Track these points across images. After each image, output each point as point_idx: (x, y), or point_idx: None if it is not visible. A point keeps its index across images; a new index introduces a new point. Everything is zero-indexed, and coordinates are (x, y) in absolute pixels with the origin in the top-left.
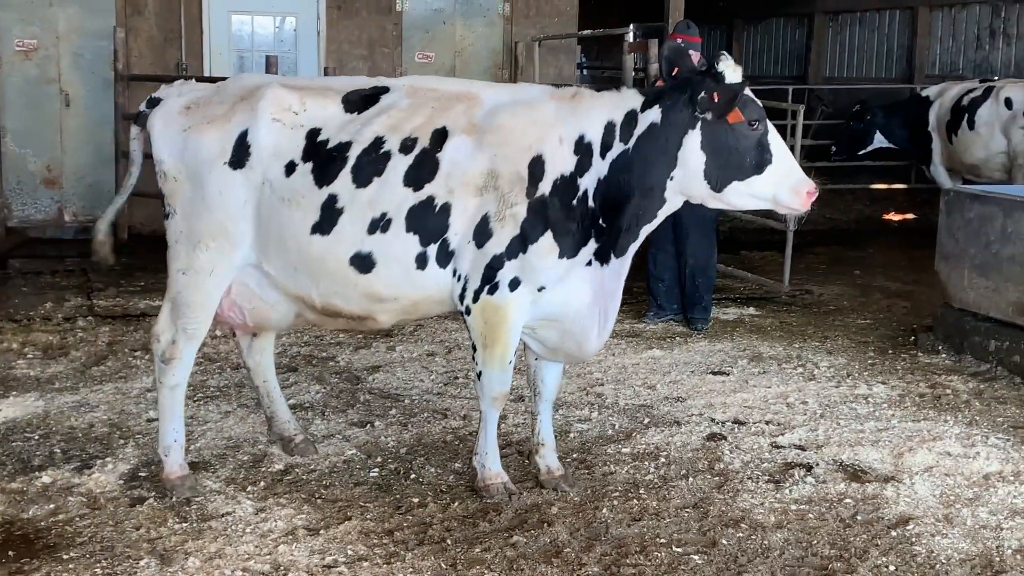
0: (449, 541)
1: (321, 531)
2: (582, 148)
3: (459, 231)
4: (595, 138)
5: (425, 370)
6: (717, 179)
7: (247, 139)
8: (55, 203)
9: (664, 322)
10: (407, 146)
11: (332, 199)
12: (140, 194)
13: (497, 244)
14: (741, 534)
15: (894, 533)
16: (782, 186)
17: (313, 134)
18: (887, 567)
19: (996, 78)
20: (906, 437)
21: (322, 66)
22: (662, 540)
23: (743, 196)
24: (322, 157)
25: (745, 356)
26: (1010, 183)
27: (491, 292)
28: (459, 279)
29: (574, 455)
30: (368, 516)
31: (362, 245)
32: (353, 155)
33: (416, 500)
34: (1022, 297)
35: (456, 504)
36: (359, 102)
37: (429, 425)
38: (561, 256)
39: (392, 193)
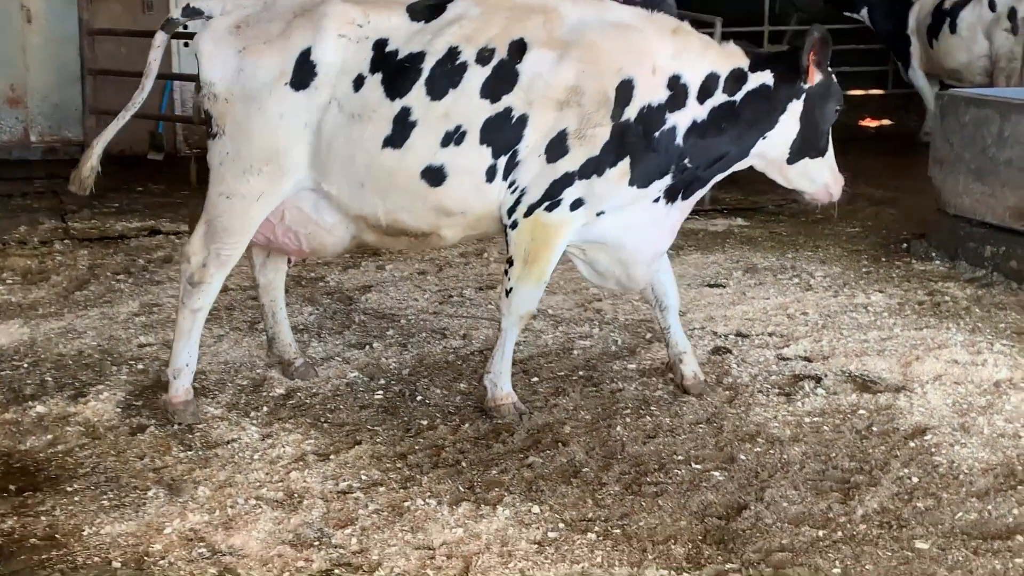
0: (464, 463)
1: (331, 456)
2: (677, 87)
3: (530, 144)
4: (692, 82)
5: (418, 289)
6: (797, 150)
7: (311, 57)
8: (20, 123)
9: None
10: (484, 57)
11: (405, 112)
12: (107, 112)
13: (571, 162)
14: (759, 448)
15: (912, 444)
16: (830, 173)
17: (380, 45)
18: (910, 478)
19: None
20: (911, 346)
21: None
22: (680, 457)
23: (802, 173)
24: (392, 69)
25: (739, 268)
26: (991, 87)
27: (549, 209)
28: (514, 191)
29: (580, 372)
30: (378, 440)
31: (434, 158)
32: (427, 66)
33: (425, 423)
34: (1019, 202)
35: (467, 425)
36: (425, 11)
37: (429, 345)
38: (631, 184)
39: (468, 105)
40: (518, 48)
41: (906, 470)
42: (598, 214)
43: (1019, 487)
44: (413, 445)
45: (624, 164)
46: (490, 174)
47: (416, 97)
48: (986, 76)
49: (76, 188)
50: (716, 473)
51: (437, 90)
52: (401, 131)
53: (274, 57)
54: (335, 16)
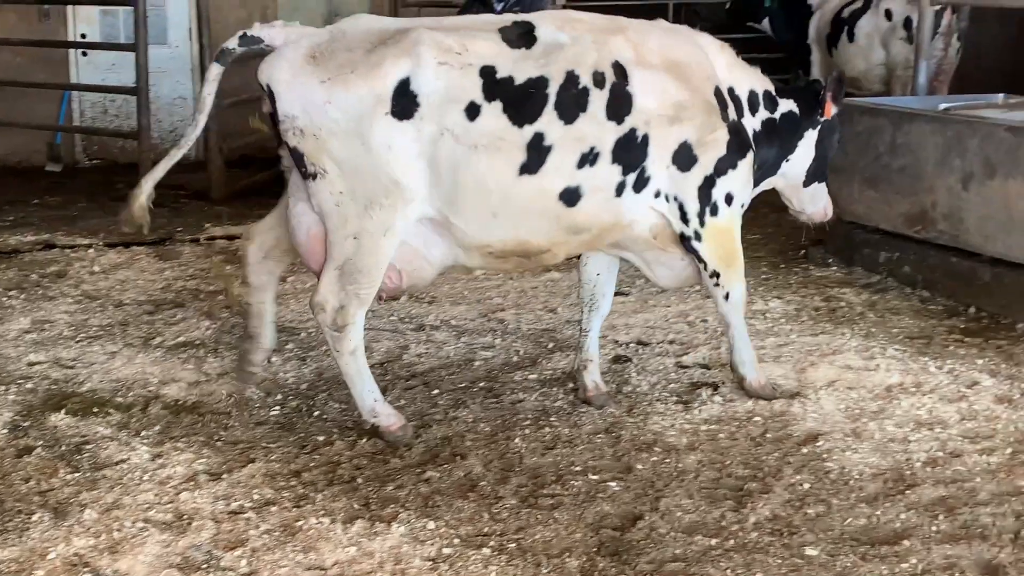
0: (360, 480)
1: (224, 475)
2: (733, 97)
3: (656, 159)
4: (742, 96)
5: None
6: (811, 175)
7: (410, 87)
8: None
9: None
10: (598, 80)
11: (539, 137)
12: (7, 123)
13: (704, 167)
14: (655, 458)
15: (805, 450)
16: (826, 197)
17: (488, 72)
18: (801, 485)
19: None
20: (806, 352)
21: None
22: (577, 468)
23: (809, 196)
24: (512, 96)
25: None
26: (888, 95)
27: (714, 213)
28: (669, 200)
29: (481, 384)
30: (272, 457)
31: (571, 180)
32: (552, 91)
33: (322, 438)
34: (911, 208)
35: (364, 440)
36: (519, 37)
37: (328, 359)
38: (750, 171)
39: (597, 127)
40: (621, 70)
41: (798, 476)
42: (741, 205)
43: (907, 492)
44: (308, 462)
45: (750, 156)
46: (619, 190)
47: (548, 122)
48: (883, 84)
49: (129, 227)
50: (613, 484)
51: (568, 114)
52: (537, 157)
53: (366, 87)
54: (431, 43)
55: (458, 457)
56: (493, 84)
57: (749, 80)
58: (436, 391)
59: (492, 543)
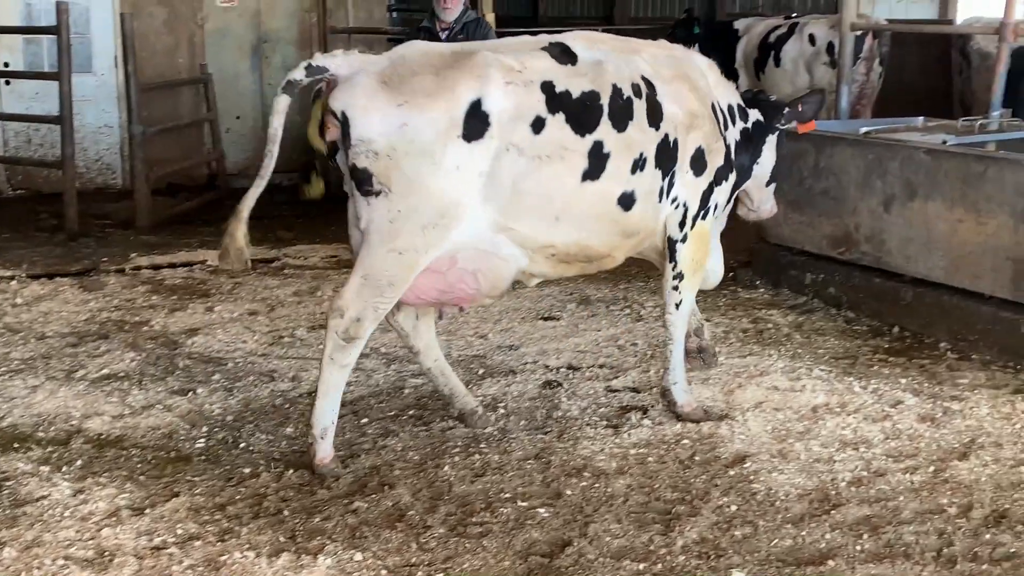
0: (286, 512)
1: (147, 510)
2: (719, 111)
3: (681, 164)
4: (725, 110)
5: (248, 331)
6: (771, 178)
7: (482, 108)
8: None
9: None
10: (637, 92)
11: (598, 145)
12: None
13: (710, 174)
14: (585, 483)
15: (732, 472)
16: (773, 198)
17: (548, 87)
18: (729, 507)
19: (795, 15)
20: (734, 374)
21: (117, 12)
22: (507, 495)
23: (767, 195)
24: (573, 108)
25: (573, 300)
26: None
27: (703, 217)
28: (677, 206)
29: (410, 412)
30: (197, 491)
31: (627, 185)
32: (605, 103)
33: (248, 470)
34: (835, 230)
35: (291, 472)
36: (562, 56)
37: (256, 389)
38: (731, 187)
39: (643, 134)
40: (649, 83)
41: (726, 499)
42: (716, 217)
43: (832, 512)
44: (234, 495)
45: (734, 173)
46: (660, 194)
47: (605, 131)
48: None
49: (232, 263)
50: (542, 510)
51: (620, 123)
52: (598, 164)
53: (440, 110)
54: (496, 65)
55: (386, 487)
56: (554, 98)
57: (727, 95)
58: (365, 420)
59: (420, 573)
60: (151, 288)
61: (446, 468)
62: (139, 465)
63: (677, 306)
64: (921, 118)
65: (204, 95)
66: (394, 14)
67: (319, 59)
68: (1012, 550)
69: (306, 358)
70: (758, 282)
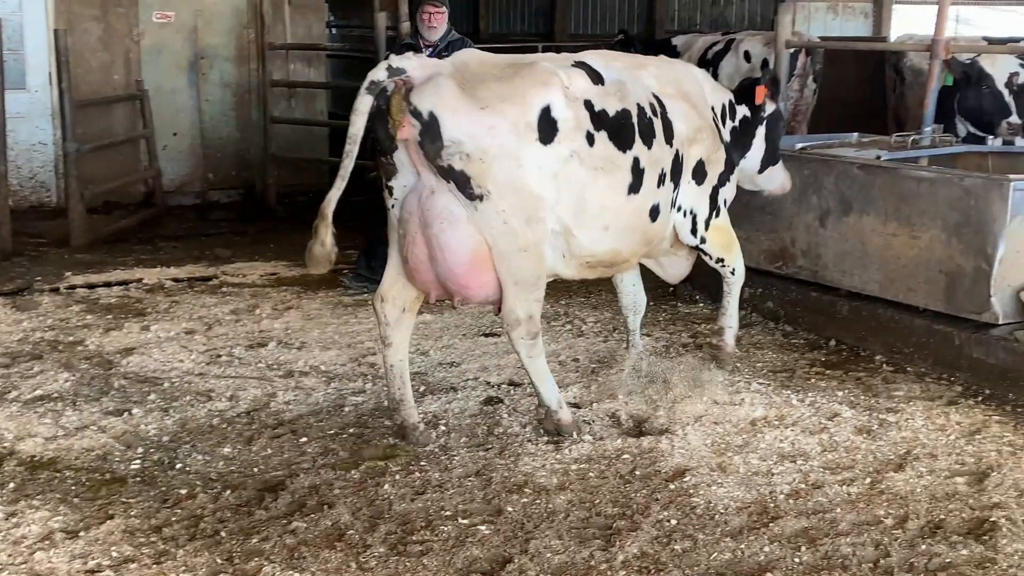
0: (223, 533)
1: (81, 533)
2: (716, 116)
3: (685, 176)
4: (719, 113)
5: (184, 350)
6: (763, 163)
7: (552, 114)
8: None
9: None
10: (655, 111)
11: (636, 161)
12: None
13: (711, 179)
14: (526, 499)
15: (672, 486)
16: (783, 174)
17: (589, 105)
18: (669, 521)
19: (732, 32)
20: (674, 388)
21: (51, 28)
22: (447, 512)
23: (766, 179)
24: (611, 125)
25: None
26: None
27: (716, 215)
28: (685, 214)
29: (351, 430)
30: (132, 513)
31: (655, 198)
32: (635, 122)
33: (184, 492)
34: (772, 245)
35: (228, 493)
36: (592, 75)
37: (193, 409)
38: (735, 182)
39: (663, 151)
40: (660, 101)
41: (666, 512)
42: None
43: (771, 524)
44: (170, 517)
45: (735, 171)
46: (671, 205)
47: (639, 148)
48: None
49: (320, 266)
50: (483, 527)
51: (648, 141)
52: (638, 178)
53: (516, 114)
54: (557, 75)
55: (325, 506)
56: (595, 115)
57: (720, 97)
58: (304, 439)
59: None
60: (86, 307)
61: (386, 486)
62: (73, 487)
63: (733, 272)
64: (856, 134)
65: (140, 111)
66: (333, 30)
67: (396, 61)
68: (947, 560)
69: (244, 377)
70: (698, 297)
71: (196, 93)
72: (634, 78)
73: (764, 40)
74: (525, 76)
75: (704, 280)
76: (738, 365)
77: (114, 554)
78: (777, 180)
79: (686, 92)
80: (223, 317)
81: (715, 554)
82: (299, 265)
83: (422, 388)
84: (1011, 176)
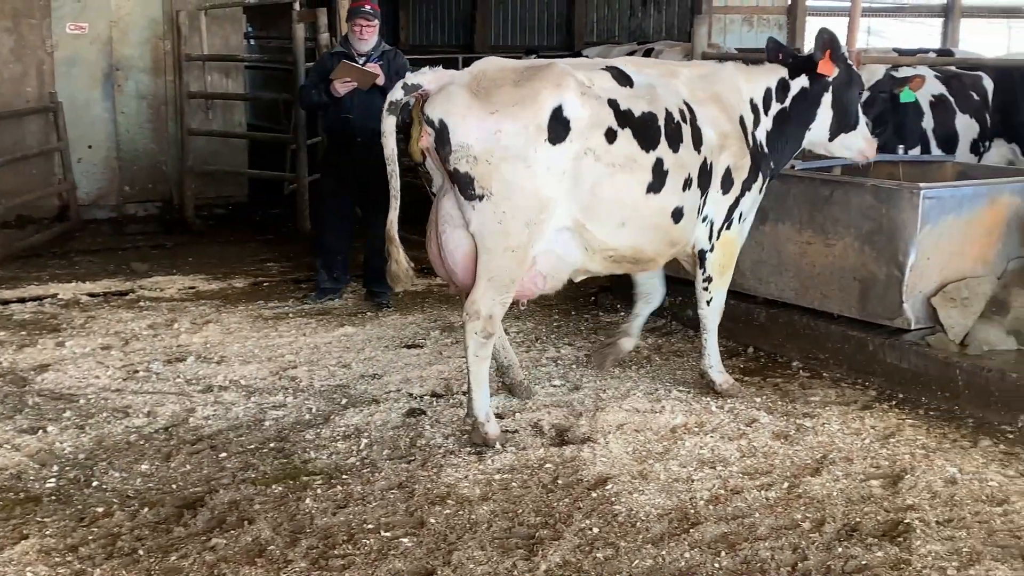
0: (141, 551)
1: None
2: (753, 108)
3: (714, 184)
4: (759, 101)
5: (101, 365)
6: (834, 131)
7: (563, 114)
8: None
9: (337, 299)
10: (684, 117)
11: (660, 162)
12: None
13: (736, 189)
14: (448, 511)
15: (594, 494)
16: (864, 141)
17: (614, 104)
18: (591, 529)
19: (649, 43)
20: (596, 397)
21: None
22: (370, 526)
23: (841, 146)
24: (637, 124)
25: (437, 327)
26: None
27: (728, 228)
28: (706, 222)
29: (271, 444)
30: (48, 532)
31: (679, 200)
32: (662, 124)
33: (101, 510)
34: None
35: (146, 510)
36: (620, 77)
37: (109, 426)
38: (760, 191)
39: (691, 156)
40: (689, 108)
41: (588, 521)
42: (744, 221)
43: (691, 531)
44: (86, 535)
45: (761, 178)
46: (699, 211)
47: (664, 150)
48: None
49: (403, 284)
50: (405, 540)
51: (675, 144)
52: (659, 179)
53: (527, 117)
54: (572, 76)
55: (246, 522)
56: (620, 114)
57: (764, 79)
58: (224, 454)
59: None
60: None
61: (307, 500)
62: None
63: (708, 303)
64: None
65: (54, 124)
66: (252, 41)
67: (411, 77)
68: (863, 562)
69: (162, 392)
70: (619, 306)
71: (111, 105)
72: (665, 84)
73: (682, 51)
74: (540, 78)
75: (625, 290)
76: (659, 373)
77: (29, 575)
78: (855, 147)
79: (716, 95)
80: (140, 332)
81: (636, 561)
82: (218, 278)
83: (344, 401)
84: (921, 184)
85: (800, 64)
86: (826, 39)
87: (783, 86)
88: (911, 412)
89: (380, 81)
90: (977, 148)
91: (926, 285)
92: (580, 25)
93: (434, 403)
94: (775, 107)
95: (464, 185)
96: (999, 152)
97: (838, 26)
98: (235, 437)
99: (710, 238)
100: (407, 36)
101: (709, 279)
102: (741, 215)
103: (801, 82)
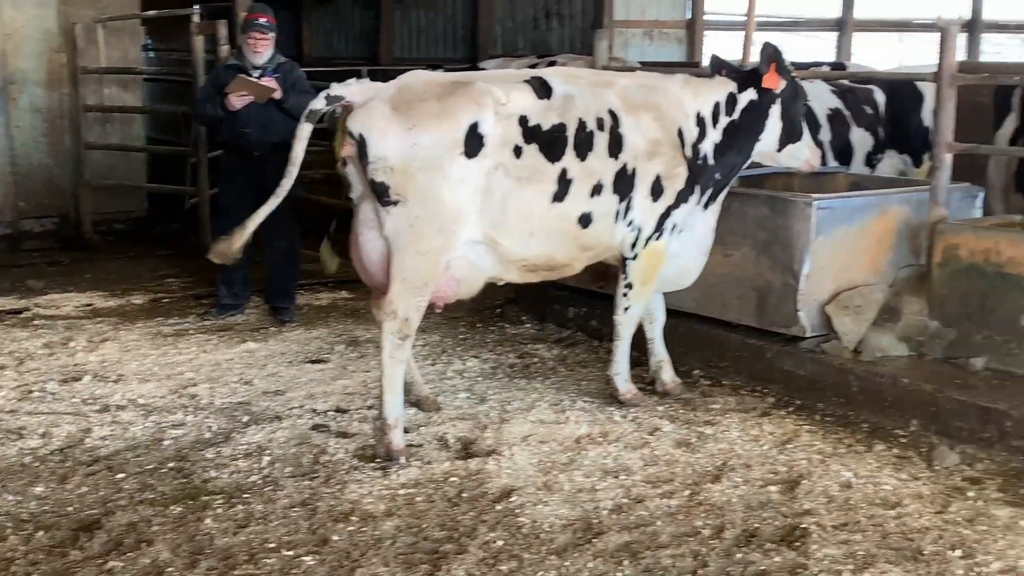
0: None
1: None
2: (700, 121)
3: (639, 190)
4: (707, 114)
5: None
6: (783, 142)
7: (479, 130)
8: None
9: (239, 315)
10: (600, 125)
11: (564, 172)
12: None
13: (668, 198)
14: (352, 527)
15: (499, 507)
16: (808, 150)
17: (523, 120)
18: (495, 542)
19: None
20: (502, 409)
21: None
22: (271, 545)
23: (788, 156)
24: (543, 138)
25: (342, 341)
26: None
27: (658, 238)
28: (633, 229)
29: (170, 464)
30: None
31: (586, 206)
32: (570, 135)
33: None
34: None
35: (41, 533)
36: (540, 88)
37: (3, 448)
38: (698, 203)
39: (603, 164)
40: (614, 116)
41: (492, 534)
42: (680, 232)
43: (595, 540)
44: None
45: (697, 190)
46: (616, 216)
47: (569, 160)
48: None
49: (220, 258)
50: (307, 558)
51: (583, 154)
52: (564, 188)
53: (445, 131)
54: (490, 95)
55: (144, 544)
56: (528, 130)
57: (713, 93)
58: (121, 475)
59: None
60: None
61: (207, 521)
62: None
63: (625, 310)
64: None
65: None
66: (151, 53)
67: (336, 88)
68: (762, 568)
69: (57, 413)
70: (524, 318)
71: (5, 119)
72: (592, 93)
73: (584, 64)
74: (459, 95)
75: (531, 301)
76: (564, 383)
77: None
78: (801, 156)
79: (653, 104)
80: (35, 351)
81: (540, 573)
82: (116, 295)
83: (245, 418)
84: (814, 195)
85: (747, 78)
86: (770, 53)
87: (731, 100)
88: (808, 418)
89: (277, 95)
90: (871, 160)
91: (820, 293)
92: (484, 38)
93: (339, 418)
94: (724, 120)
95: (381, 193)
96: (891, 163)
97: (735, 40)
98: (133, 457)
99: (634, 245)
100: (310, 48)
101: (629, 286)
102: (674, 226)
103: (749, 95)
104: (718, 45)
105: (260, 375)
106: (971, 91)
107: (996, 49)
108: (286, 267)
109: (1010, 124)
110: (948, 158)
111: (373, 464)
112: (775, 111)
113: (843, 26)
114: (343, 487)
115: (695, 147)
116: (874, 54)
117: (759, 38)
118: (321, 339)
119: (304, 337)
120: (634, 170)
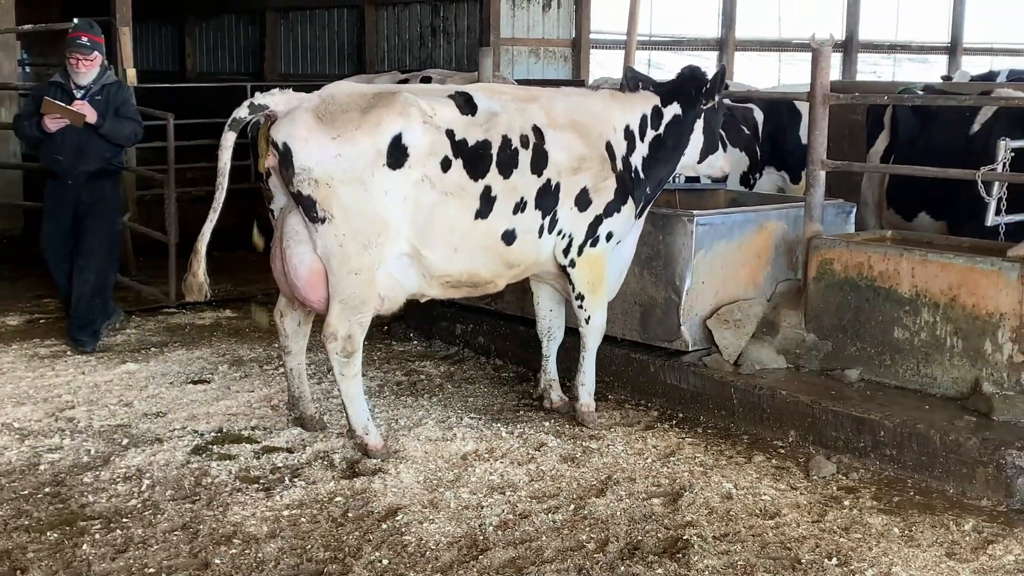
0: None
1: None
2: (628, 135)
3: (564, 203)
4: (635, 127)
5: None
6: (704, 153)
7: (402, 141)
8: None
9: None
10: (525, 142)
11: (488, 189)
12: None
13: (596, 208)
14: (234, 550)
15: (384, 525)
16: (722, 158)
17: (451, 134)
18: (380, 561)
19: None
20: (388, 427)
21: None
22: (151, 570)
23: (707, 166)
24: (469, 154)
25: (226, 361)
26: None
27: (593, 245)
28: (563, 237)
29: (47, 489)
30: None
31: (510, 223)
32: (494, 152)
33: None
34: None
35: None
36: (464, 104)
37: None
38: (632, 213)
39: (526, 181)
40: (538, 132)
41: (378, 553)
42: (617, 241)
43: (480, 557)
44: None
45: (631, 200)
46: (540, 231)
47: (493, 177)
48: None
49: (196, 295)
50: None
51: (506, 171)
52: (487, 205)
53: (368, 142)
54: (416, 105)
55: (19, 571)
56: (455, 144)
57: (639, 107)
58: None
59: None
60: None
61: (85, 547)
62: None
63: (587, 321)
64: None
65: None
66: (27, 68)
67: (259, 98)
68: None
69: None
70: (411, 335)
71: None
72: (517, 109)
73: (461, 80)
74: (383, 106)
75: (418, 318)
76: (451, 400)
77: None
78: (717, 165)
79: (577, 122)
80: None
81: None
82: None
83: (125, 441)
84: (695, 212)
85: (671, 92)
86: (718, 76)
87: (657, 113)
88: (690, 431)
89: (91, 119)
90: (747, 180)
91: (702, 308)
92: (371, 54)
93: (221, 440)
94: (650, 133)
95: (307, 208)
96: (770, 179)
97: (618, 58)
98: (7, 483)
99: (567, 252)
100: (193, 64)
101: (581, 296)
102: (610, 234)
103: (674, 109)
104: (603, 63)
105: (140, 396)
106: (846, 110)
107: (872, 68)
108: (92, 300)
109: (882, 142)
110: (822, 175)
111: (256, 486)
112: (699, 125)
113: (724, 46)
114: (225, 509)
115: (625, 160)
116: (754, 74)
117: (641, 57)
118: (204, 359)
119: (186, 357)
120: (558, 184)
